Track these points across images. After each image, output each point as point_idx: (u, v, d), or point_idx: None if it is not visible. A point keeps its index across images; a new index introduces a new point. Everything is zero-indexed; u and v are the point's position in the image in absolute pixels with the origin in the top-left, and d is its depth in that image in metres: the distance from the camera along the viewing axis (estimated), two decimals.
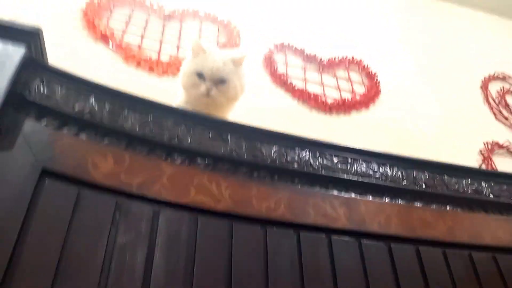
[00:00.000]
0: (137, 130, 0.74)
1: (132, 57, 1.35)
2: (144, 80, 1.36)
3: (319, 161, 0.83)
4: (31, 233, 0.58)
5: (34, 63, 0.73)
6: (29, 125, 0.68)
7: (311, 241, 0.71)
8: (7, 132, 0.65)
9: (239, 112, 1.03)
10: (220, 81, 0.94)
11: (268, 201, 0.74)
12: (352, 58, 1.76)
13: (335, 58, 1.73)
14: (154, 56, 1.41)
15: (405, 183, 0.86)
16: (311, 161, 0.82)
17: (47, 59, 0.80)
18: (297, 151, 0.83)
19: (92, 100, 0.74)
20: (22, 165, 0.63)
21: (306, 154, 0.82)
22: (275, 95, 1.54)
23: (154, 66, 1.37)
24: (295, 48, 1.71)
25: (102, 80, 0.77)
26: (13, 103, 0.67)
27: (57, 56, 0.86)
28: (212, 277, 0.63)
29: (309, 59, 1.71)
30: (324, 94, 1.58)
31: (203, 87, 0.93)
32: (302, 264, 0.68)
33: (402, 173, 0.88)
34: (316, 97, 1.54)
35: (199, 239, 0.65)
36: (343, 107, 1.55)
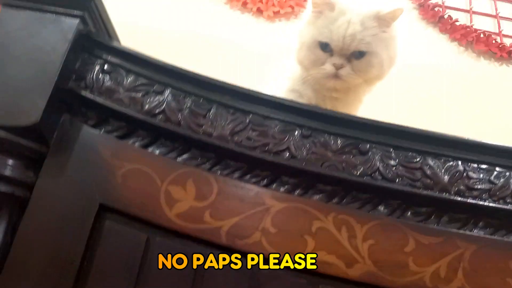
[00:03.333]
0: (229, 139, 0.49)
1: None
2: (250, 26, 1.09)
3: None
4: None
5: (91, 41, 0.52)
6: (86, 133, 0.49)
7: None
8: (59, 145, 0.48)
9: None
10: (356, 55, 0.62)
11: (433, 262, 0.45)
12: None
13: None
14: None
15: None
16: None
17: (114, 33, 0.58)
18: (486, 169, 0.49)
19: (167, 92, 0.51)
20: (74, 198, 0.46)
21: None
22: (424, 36, 1.13)
23: (262, 8, 1.08)
24: None
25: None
26: (58, 102, 0.48)
27: None
28: None
29: None
30: (500, 33, 1.10)
31: (329, 65, 0.62)
32: None
33: None
34: (487, 38, 1.08)
35: None
36: None
